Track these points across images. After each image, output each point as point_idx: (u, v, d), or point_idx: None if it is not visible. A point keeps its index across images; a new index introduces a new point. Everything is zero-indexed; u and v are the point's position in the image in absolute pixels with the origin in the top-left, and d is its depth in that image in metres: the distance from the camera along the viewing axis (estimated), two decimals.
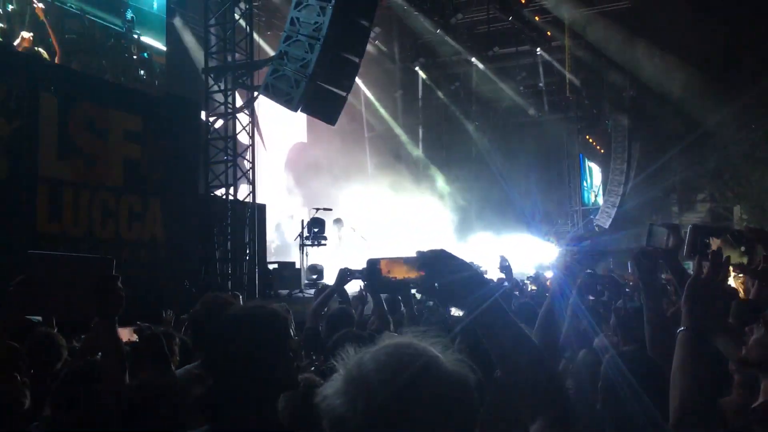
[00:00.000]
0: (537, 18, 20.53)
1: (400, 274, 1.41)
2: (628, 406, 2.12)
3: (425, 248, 1.39)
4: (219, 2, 11.56)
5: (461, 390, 1.06)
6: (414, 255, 1.38)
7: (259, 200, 12.10)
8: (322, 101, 10.87)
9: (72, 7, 10.13)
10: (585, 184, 25.92)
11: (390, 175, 19.47)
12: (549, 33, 21.40)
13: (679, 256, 2.45)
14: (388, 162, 20.59)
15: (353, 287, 5.71)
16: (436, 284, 1.35)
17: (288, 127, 17.60)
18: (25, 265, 3.04)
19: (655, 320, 2.45)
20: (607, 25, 19.96)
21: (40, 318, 3.84)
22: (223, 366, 1.78)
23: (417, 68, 22.50)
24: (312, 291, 10.58)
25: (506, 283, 7.50)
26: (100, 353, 2.56)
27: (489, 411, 1.94)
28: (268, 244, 14.29)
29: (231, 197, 11.55)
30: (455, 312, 4.75)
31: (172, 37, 12.73)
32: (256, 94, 11.45)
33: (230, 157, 11.51)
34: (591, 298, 3.26)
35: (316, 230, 13.61)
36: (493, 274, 11.99)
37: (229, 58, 11.54)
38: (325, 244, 13.81)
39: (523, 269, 11.06)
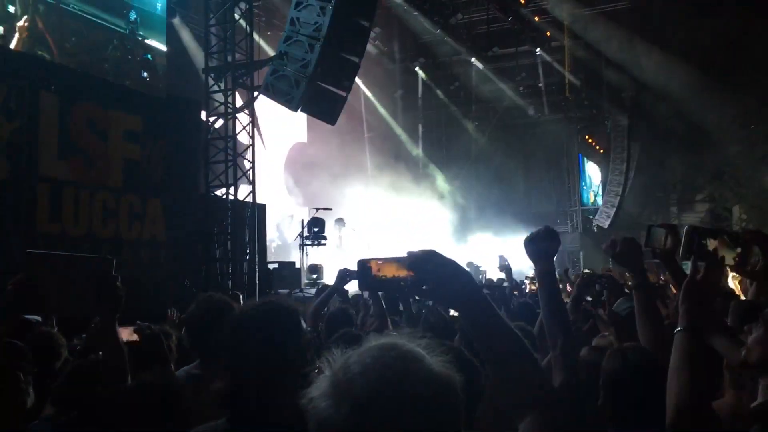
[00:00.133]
0: (536, 18, 20.52)
1: (390, 273, 1.43)
2: (629, 402, 2.14)
3: (416, 249, 1.40)
4: (219, 2, 11.55)
5: (446, 391, 1.06)
6: (405, 255, 1.40)
7: (259, 200, 12.10)
8: (322, 101, 10.89)
9: (74, 9, 10.12)
10: (584, 184, 25.92)
11: (390, 175, 19.48)
12: (548, 33, 21.38)
13: (676, 257, 2.46)
14: (387, 162, 20.59)
15: (353, 287, 5.72)
16: (423, 286, 1.37)
17: (288, 126, 17.59)
18: (25, 265, 3.05)
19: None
20: (607, 25, 19.94)
21: (39, 318, 3.85)
22: (241, 361, 1.82)
23: (417, 68, 22.51)
24: (312, 290, 10.60)
25: (506, 284, 7.52)
26: (101, 352, 2.57)
27: (489, 405, 1.96)
28: (268, 243, 14.30)
29: (231, 197, 11.55)
30: (454, 312, 4.75)
31: (172, 37, 12.72)
32: (256, 94, 11.45)
33: (230, 157, 11.51)
34: (588, 299, 3.26)
35: (316, 230, 13.62)
36: (493, 274, 12.04)
37: (229, 58, 11.53)
38: (324, 244, 13.82)
39: (523, 269, 11.03)
